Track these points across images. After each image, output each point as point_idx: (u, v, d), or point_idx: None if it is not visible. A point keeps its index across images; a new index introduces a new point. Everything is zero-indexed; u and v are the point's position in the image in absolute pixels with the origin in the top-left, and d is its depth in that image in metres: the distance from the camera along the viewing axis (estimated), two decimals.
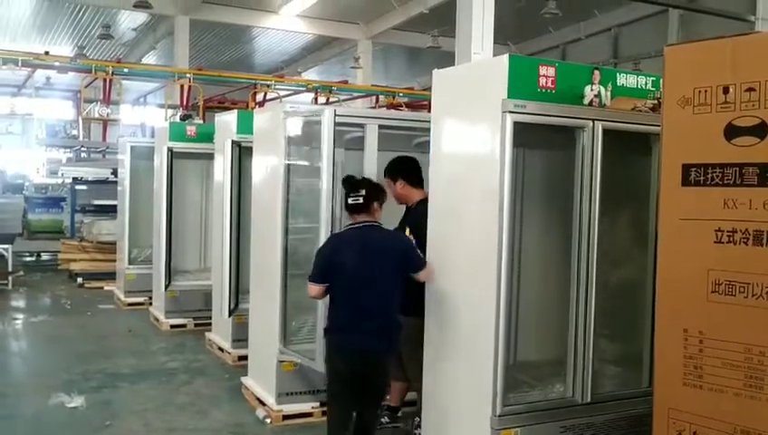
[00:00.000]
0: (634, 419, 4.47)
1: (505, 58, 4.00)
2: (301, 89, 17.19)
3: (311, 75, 25.69)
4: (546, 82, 4.11)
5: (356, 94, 17.35)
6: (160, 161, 8.54)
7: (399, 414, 5.44)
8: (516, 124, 3.96)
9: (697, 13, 14.76)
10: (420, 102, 18.09)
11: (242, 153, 7.03)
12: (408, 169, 5.23)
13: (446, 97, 4.56)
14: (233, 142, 6.85)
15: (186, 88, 14.90)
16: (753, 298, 3.17)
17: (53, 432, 5.38)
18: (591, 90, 4.27)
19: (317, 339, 5.13)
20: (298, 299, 5.69)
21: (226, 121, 7.55)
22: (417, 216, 4.96)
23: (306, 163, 5.75)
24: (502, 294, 4.00)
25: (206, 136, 8.67)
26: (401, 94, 16.56)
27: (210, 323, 8.34)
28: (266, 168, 5.93)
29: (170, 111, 15.89)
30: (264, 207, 5.92)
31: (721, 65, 3.28)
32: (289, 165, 5.49)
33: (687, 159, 3.39)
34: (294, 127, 5.49)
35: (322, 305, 4.93)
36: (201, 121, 12.90)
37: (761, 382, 3.16)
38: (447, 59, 24.66)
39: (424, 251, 4.78)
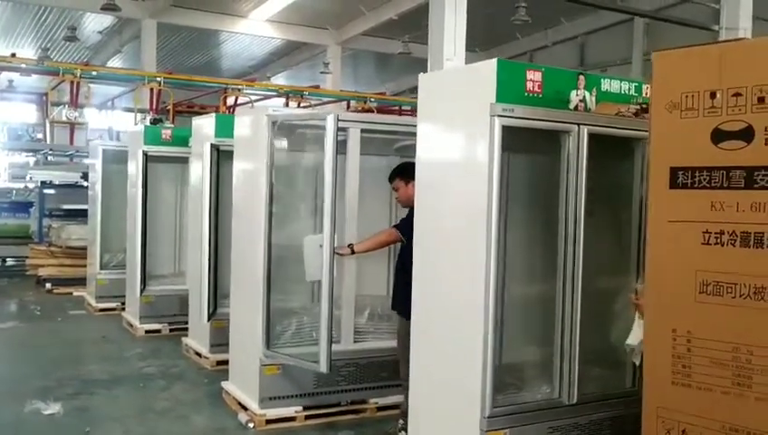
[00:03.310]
0: (617, 419, 4.55)
1: (494, 62, 4.04)
2: (271, 93, 17.13)
3: (279, 80, 25.65)
4: (533, 87, 4.17)
5: (327, 99, 17.32)
6: (136, 165, 8.45)
7: None
8: (504, 128, 4.01)
9: (662, 22, 15.00)
10: (390, 108, 18.15)
11: (220, 157, 6.99)
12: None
13: (432, 101, 4.59)
14: (211, 146, 6.79)
15: (155, 92, 14.75)
16: (740, 298, 3.24)
17: None
18: (577, 95, 4.34)
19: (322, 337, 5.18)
20: (280, 303, 5.70)
21: (204, 125, 7.51)
22: None
23: (290, 168, 5.77)
24: (490, 296, 4.03)
25: (182, 139, 8.63)
26: (373, 100, 16.58)
27: (186, 328, 8.29)
28: (248, 172, 5.91)
29: (140, 116, 15.71)
30: (247, 212, 5.90)
31: (708, 71, 3.35)
32: (272, 169, 5.47)
33: (675, 163, 3.46)
34: (278, 131, 5.48)
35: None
36: (171, 125, 12.81)
37: (749, 381, 3.22)
38: (416, 65, 24.88)
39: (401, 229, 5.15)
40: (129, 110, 18.47)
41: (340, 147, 5.99)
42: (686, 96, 3.41)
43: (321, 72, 22.73)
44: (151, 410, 5.93)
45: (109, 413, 5.84)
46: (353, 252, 5.40)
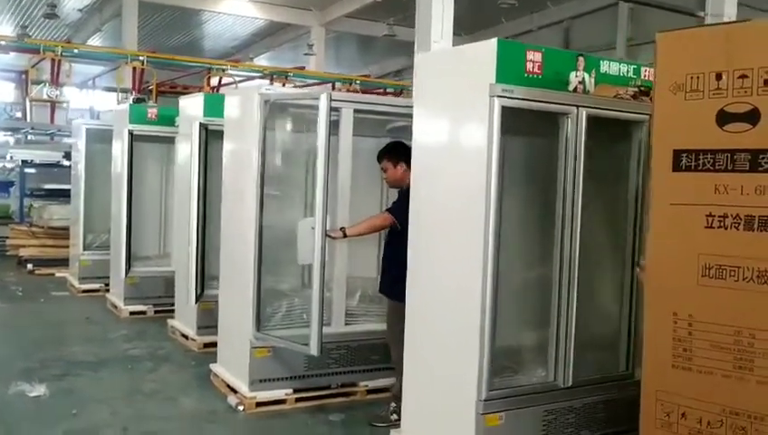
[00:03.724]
0: (611, 402, 4.55)
1: (494, 42, 3.98)
2: (255, 74, 16.96)
3: (262, 61, 25.41)
4: (533, 68, 4.12)
5: (311, 81, 17.17)
6: (121, 144, 8.30)
7: None
8: (503, 109, 3.96)
9: (647, 7, 14.93)
10: (375, 91, 18.02)
11: (208, 136, 6.89)
12: (408, 154, 5.18)
13: (429, 81, 4.53)
14: (200, 125, 6.69)
15: (138, 71, 14.53)
16: (743, 281, 3.23)
17: (18, 422, 5.18)
18: (576, 76, 4.30)
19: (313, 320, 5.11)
20: (271, 285, 5.64)
21: (192, 104, 7.39)
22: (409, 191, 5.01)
23: (282, 147, 5.69)
24: (488, 280, 4.00)
25: (168, 119, 8.49)
26: (358, 81, 16.45)
27: (171, 310, 8.22)
28: (239, 152, 5.82)
29: (122, 95, 15.47)
30: (237, 193, 5.80)
31: (714, 52, 3.32)
32: (264, 149, 5.38)
33: (679, 145, 3.43)
34: (271, 110, 5.38)
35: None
36: (155, 105, 12.63)
37: (750, 364, 3.22)
38: (399, 48, 24.80)
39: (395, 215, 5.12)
40: (110, 89, 18.19)
41: (333, 128, 5.94)
42: (691, 77, 3.37)
43: (305, 54, 22.51)
44: (139, 392, 5.86)
45: (95, 395, 5.75)
46: (345, 235, 5.33)
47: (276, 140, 5.63)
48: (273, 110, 5.45)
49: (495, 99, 3.93)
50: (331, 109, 5.57)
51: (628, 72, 4.53)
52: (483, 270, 4.00)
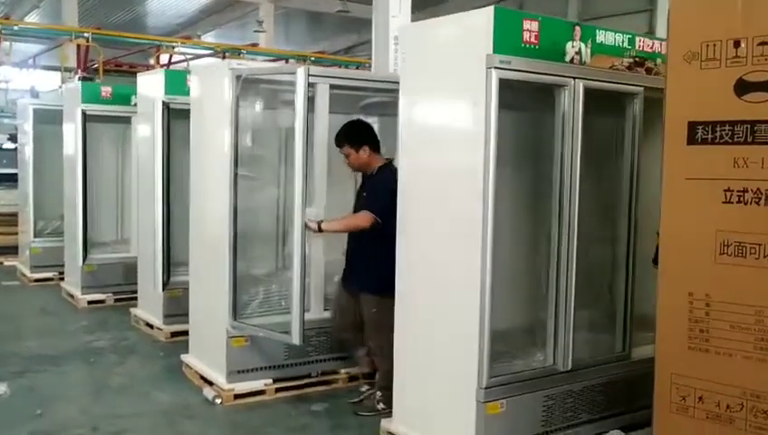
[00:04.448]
0: (609, 384, 4.42)
1: (490, 10, 3.76)
2: (205, 52, 16.45)
3: (208, 39, 24.81)
4: (530, 38, 3.92)
5: (264, 58, 16.71)
6: (75, 125, 7.84)
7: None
8: (501, 81, 3.75)
9: None
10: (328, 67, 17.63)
11: (170, 115, 6.53)
12: (371, 135, 5.03)
13: (416, 53, 4.28)
14: (163, 104, 6.33)
15: (83, 49, 13.91)
16: (764, 259, 3.09)
17: None
18: (572, 46, 4.11)
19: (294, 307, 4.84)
20: (244, 270, 5.35)
21: (151, 82, 7.00)
22: (386, 181, 4.78)
23: (252, 126, 5.40)
24: (487, 264, 3.81)
25: (123, 98, 8.11)
26: (313, 59, 16.07)
27: (131, 298, 7.90)
28: (209, 132, 5.49)
29: (66, 75, 14.79)
30: (208, 175, 5.49)
31: (731, 18, 3.15)
32: (237, 128, 5.07)
33: (694, 117, 3.26)
34: (242, 87, 5.07)
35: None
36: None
37: None
38: (350, 24, 24.40)
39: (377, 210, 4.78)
40: (52, 68, 17.47)
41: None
42: (707, 45, 3.20)
43: (255, 31, 21.97)
44: (107, 388, 5.53)
45: (60, 392, 5.40)
46: (320, 230, 4.94)
47: (246, 118, 5.31)
48: (245, 86, 5.13)
49: (493, 70, 3.72)
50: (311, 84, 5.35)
51: (623, 42, 4.36)
52: (482, 252, 3.81)
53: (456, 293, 3.98)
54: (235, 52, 15.86)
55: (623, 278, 4.50)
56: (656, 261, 4.37)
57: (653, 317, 4.58)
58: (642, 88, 4.35)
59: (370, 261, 4.89)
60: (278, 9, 23.07)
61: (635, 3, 16.24)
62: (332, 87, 5.34)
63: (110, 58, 17.49)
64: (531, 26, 3.90)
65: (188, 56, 15.70)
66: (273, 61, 16.81)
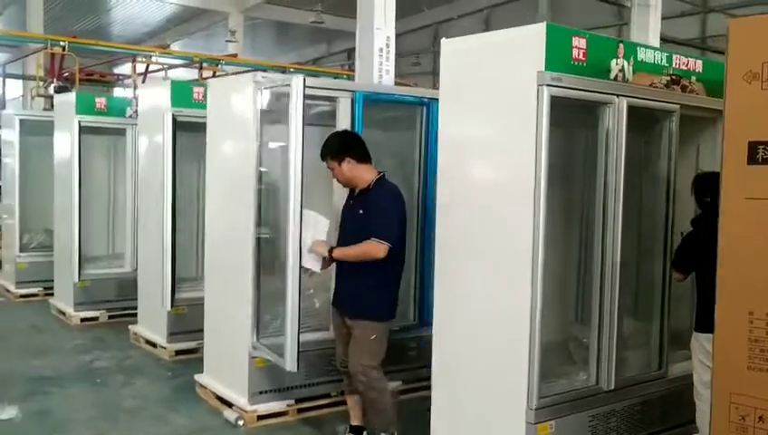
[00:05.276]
0: (647, 403, 4.40)
1: (542, 27, 3.72)
2: (179, 62, 16.22)
3: (175, 49, 24.59)
4: (578, 55, 3.88)
5: (241, 69, 16.54)
6: (70, 137, 7.61)
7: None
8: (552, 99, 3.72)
9: None
10: None
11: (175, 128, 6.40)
12: (352, 145, 4.54)
13: (460, 69, 4.22)
14: (172, 117, 6.19)
15: (59, 57, 13.59)
16: None
17: None
18: (616, 64, 4.09)
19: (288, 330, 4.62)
20: (269, 289, 5.22)
21: (155, 94, 6.84)
22: (388, 201, 4.43)
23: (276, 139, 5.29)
24: (538, 280, 3.75)
25: (118, 109, 7.94)
26: (292, 70, 15.92)
27: (126, 315, 7.77)
28: (229, 145, 5.38)
29: (33, 83, 14.40)
30: (228, 189, 5.36)
31: None
32: (261, 142, 4.97)
33: (754, 137, 3.26)
34: (267, 100, 4.97)
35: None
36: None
37: None
38: (319, 35, 24.20)
39: (403, 240, 4.52)
40: (13, 76, 17.04)
41: (320, 118, 5.60)
42: None
43: (227, 41, 21.78)
44: (120, 410, 5.34)
45: (73, 415, 5.21)
46: (331, 257, 4.54)
47: (270, 131, 5.20)
48: (270, 99, 5.02)
49: (545, 87, 3.69)
50: (328, 98, 5.28)
51: (662, 59, 4.35)
52: (532, 269, 3.75)
53: (504, 311, 3.91)
54: (213, 62, 15.68)
55: (659, 295, 4.50)
56: (675, 264, 4.43)
57: (685, 334, 4.68)
58: (678, 106, 4.37)
59: (371, 284, 4.45)
60: (248, 20, 22.95)
61: (604, 17, 16.52)
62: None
63: (82, 67, 17.17)
64: (579, 43, 3.88)
65: (165, 66, 15.47)
66: (251, 71, 16.68)
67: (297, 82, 4.57)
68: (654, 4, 10.59)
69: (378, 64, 6.54)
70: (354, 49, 7.05)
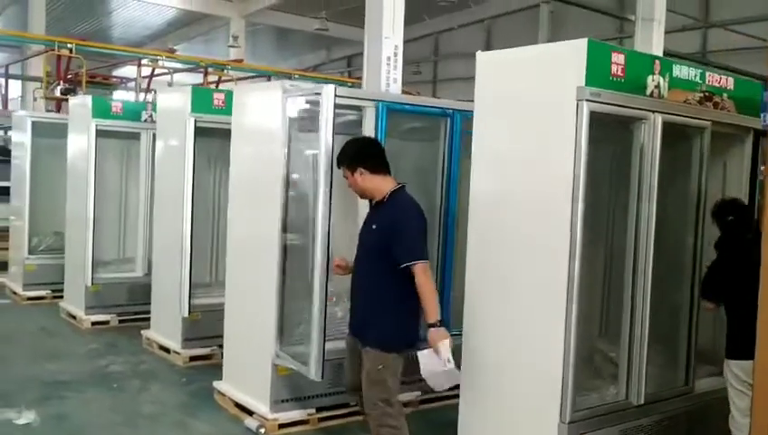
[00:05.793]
0: (674, 418, 4.41)
1: (583, 42, 3.75)
2: (183, 66, 16.22)
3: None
4: (617, 71, 3.91)
5: (247, 75, 16.56)
6: (87, 139, 7.58)
7: None
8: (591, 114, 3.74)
9: (568, 5, 14.71)
10: None
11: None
12: (366, 154, 4.19)
13: (496, 84, 4.24)
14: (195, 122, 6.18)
15: (66, 59, 13.56)
16: None
17: None
18: (653, 80, 4.11)
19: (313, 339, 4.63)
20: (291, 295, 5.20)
21: (175, 99, 6.84)
22: (408, 217, 4.03)
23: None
24: (574, 295, 3.77)
25: (133, 113, 7.92)
26: (297, 76, 15.93)
27: (136, 319, 7.74)
28: (255, 153, 5.37)
29: (35, 85, 14.40)
30: (254, 195, 5.35)
31: None
32: (290, 151, 4.97)
33: None
34: (295, 108, 4.97)
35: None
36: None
37: None
38: (319, 41, 24.22)
39: (425, 254, 4.01)
40: (13, 77, 17.02)
41: (346, 128, 5.59)
42: None
43: (230, 46, 21.84)
44: (140, 416, 5.31)
45: (92, 420, 5.18)
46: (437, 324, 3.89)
47: (297, 139, 5.20)
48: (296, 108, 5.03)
49: (584, 103, 3.71)
50: (356, 108, 5.29)
51: (696, 76, 4.38)
52: (568, 287, 3.78)
53: (540, 327, 3.92)
54: (219, 67, 15.70)
55: (687, 311, 4.51)
56: (704, 294, 4.45)
57: (711, 350, 4.69)
58: (710, 122, 4.39)
59: (377, 309, 4.11)
60: (249, 25, 22.98)
61: (605, 31, 16.60)
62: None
63: (88, 69, 17.15)
64: (618, 59, 3.90)
65: (170, 70, 15.46)
66: (257, 77, 16.70)
67: (328, 91, 4.58)
68: (658, 19, 10.65)
69: (385, 73, 6.55)
70: (354, 56, 7.05)
